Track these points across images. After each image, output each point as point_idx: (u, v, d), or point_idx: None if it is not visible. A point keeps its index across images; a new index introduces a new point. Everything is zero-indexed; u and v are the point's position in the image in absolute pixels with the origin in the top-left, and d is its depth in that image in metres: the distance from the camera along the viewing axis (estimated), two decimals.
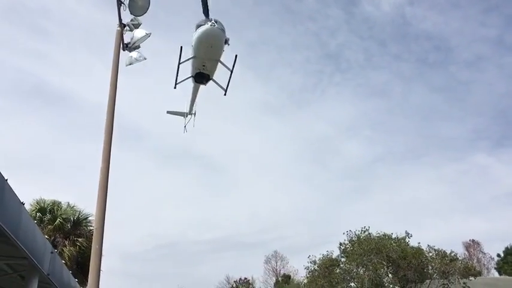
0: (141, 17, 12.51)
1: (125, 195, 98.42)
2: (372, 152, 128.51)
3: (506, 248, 76.21)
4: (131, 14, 12.25)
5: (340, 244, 37.38)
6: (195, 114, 21.07)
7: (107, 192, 9.07)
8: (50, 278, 9.28)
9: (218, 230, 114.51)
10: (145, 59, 12.47)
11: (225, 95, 16.67)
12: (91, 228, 24.31)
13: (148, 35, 12.52)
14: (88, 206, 25.72)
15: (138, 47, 12.51)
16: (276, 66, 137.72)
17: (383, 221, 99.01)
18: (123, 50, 12.24)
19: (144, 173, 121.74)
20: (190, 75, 16.41)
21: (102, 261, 8.92)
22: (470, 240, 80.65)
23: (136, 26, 12.53)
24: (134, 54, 12.42)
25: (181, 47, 15.07)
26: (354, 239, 36.76)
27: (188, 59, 15.57)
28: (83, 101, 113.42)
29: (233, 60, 15.51)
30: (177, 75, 15.87)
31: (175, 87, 16.45)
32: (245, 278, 73.30)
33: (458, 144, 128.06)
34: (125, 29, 12.33)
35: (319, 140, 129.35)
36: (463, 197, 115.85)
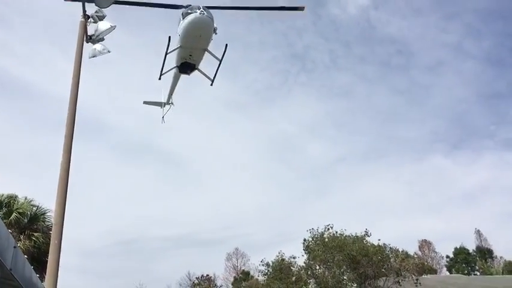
0: (107, 9, 12.31)
1: (86, 189, 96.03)
2: (335, 151, 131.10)
3: (456, 248, 79.68)
4: (96, 5, 11.99)
5: (304, 240, 37.95)
6: (172, 104, 20.82)
7: (67, 187, 8.88)
8: (13, 273, 8.96)
9: (181, 227, 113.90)
10: (109, 51, 12.26)
11: (211, 85, 16.22)
12: (49, 223, 23.68)
13: (113, 28, 12.30)
14: (46, 201, 25.02)
15: (102, 39, 12.29)
16: (242, 64, 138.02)
17: (343, 220, 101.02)
18: (87, 42, 11.99)
19: (106, 168, 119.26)
20: (174, 65, 15.98)
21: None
22: (423, 240, 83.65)
23: (101, 18, 12.29)
24: (98, 46, 12.20)
25: (169, 37, 14.68)
26: (317, 236, 37.42)
27: (175, 49, 15.14)
28: (44, 93, 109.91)
29: (223, 50, 15.02)
30: (163, 66, 15.50)
31: (159, 78, 16.05)
32: (207, 275, 73.14)
33: (417, 145, 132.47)
34: (89, 20, 12.06)
35: (284, 138, 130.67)
36: (420, 197, 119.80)
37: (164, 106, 21.19)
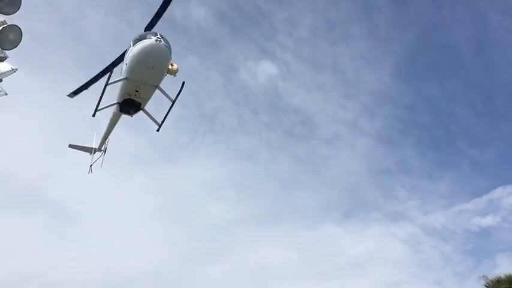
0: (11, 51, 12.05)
1: None
2: (234, 213, 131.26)
3: None
4: None
5: None
6: (105, 151, 17.31)
7: None
8: None
9: (59, 286, 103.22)
10: (6, 94, 11.90)
11: (158, 130, 13.74)
12: None
13: (13, 70, 12.07)
14: None
15: (0, 80, 11.94)
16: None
17: (236, 283, 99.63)
18: None
19: None
20: (116, 101, 13.25)
21: None
22: None
23: (2, 59, 12.09)
24: None
25: (112, 69, 12.24)
26: None
27: (118, 81, 12.32)
28: None
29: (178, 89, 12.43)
30: (100, 99, 12.56)
31: (94, 115, 13.03)
32: None
33: (312, 213, 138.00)
34: None
35: (184, 197, 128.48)
36: (311, 263, 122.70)
37: (94, 153, 17.68)
